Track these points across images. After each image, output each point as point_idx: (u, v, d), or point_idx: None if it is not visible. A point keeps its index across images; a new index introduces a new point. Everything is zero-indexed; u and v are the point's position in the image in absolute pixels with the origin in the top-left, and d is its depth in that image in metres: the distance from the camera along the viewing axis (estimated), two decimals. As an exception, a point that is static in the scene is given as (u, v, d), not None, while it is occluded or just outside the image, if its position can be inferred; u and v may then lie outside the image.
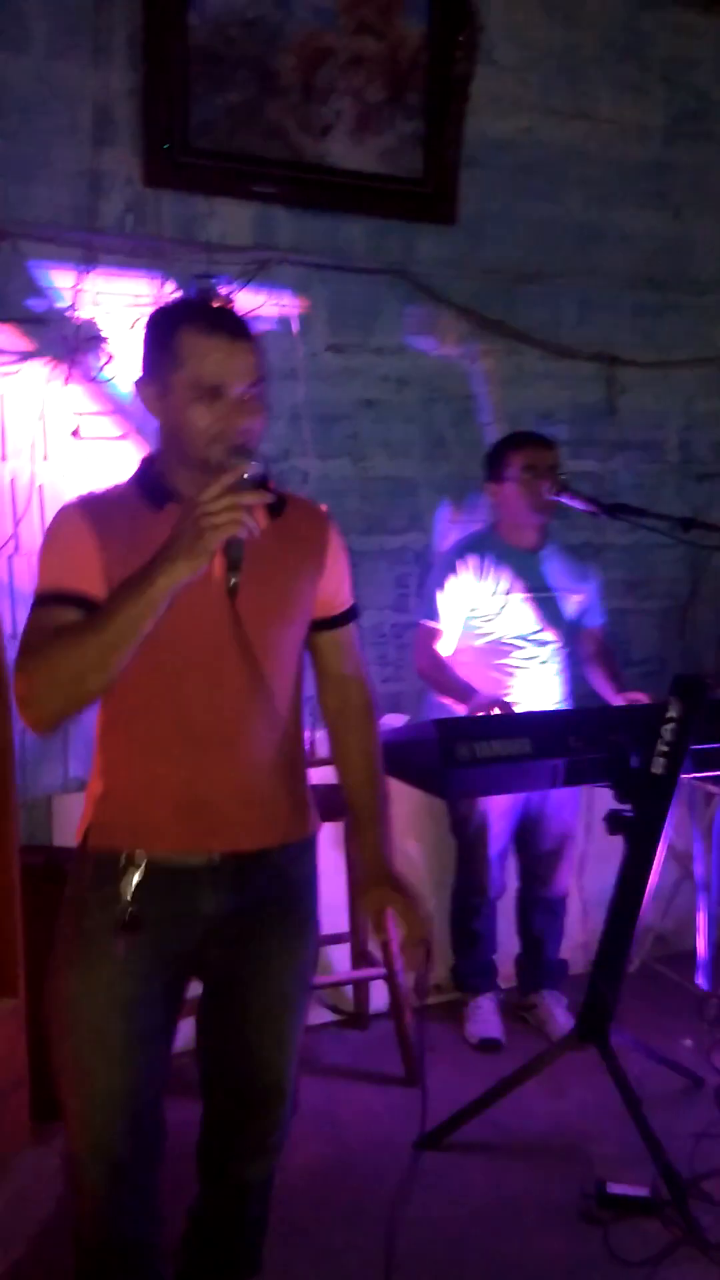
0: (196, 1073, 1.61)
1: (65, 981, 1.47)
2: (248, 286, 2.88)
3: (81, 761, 2.75)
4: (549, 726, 2.32)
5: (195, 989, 1.58)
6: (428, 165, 3.06)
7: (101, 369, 2.71)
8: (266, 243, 2.92)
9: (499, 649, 2.81)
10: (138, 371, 1.47)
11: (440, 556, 2.96)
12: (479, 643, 2.82)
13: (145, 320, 1.48)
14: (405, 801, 2.86)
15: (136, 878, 1.44)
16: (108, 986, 1.45)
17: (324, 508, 1.62)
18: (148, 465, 1.51)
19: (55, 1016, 1.48)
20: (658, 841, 2.28)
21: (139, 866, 1.44)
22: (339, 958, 2.91)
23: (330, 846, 2.63)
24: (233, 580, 1.33)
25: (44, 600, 1.41)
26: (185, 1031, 1.59)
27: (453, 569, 2.77)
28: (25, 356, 2.66)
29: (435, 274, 3.14)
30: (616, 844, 2.32)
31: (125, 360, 2.69)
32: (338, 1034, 2.90)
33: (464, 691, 2.66)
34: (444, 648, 2.80)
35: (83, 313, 2.70)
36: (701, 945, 3.06)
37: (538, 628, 2.82)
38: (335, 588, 1.60)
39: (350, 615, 1.64)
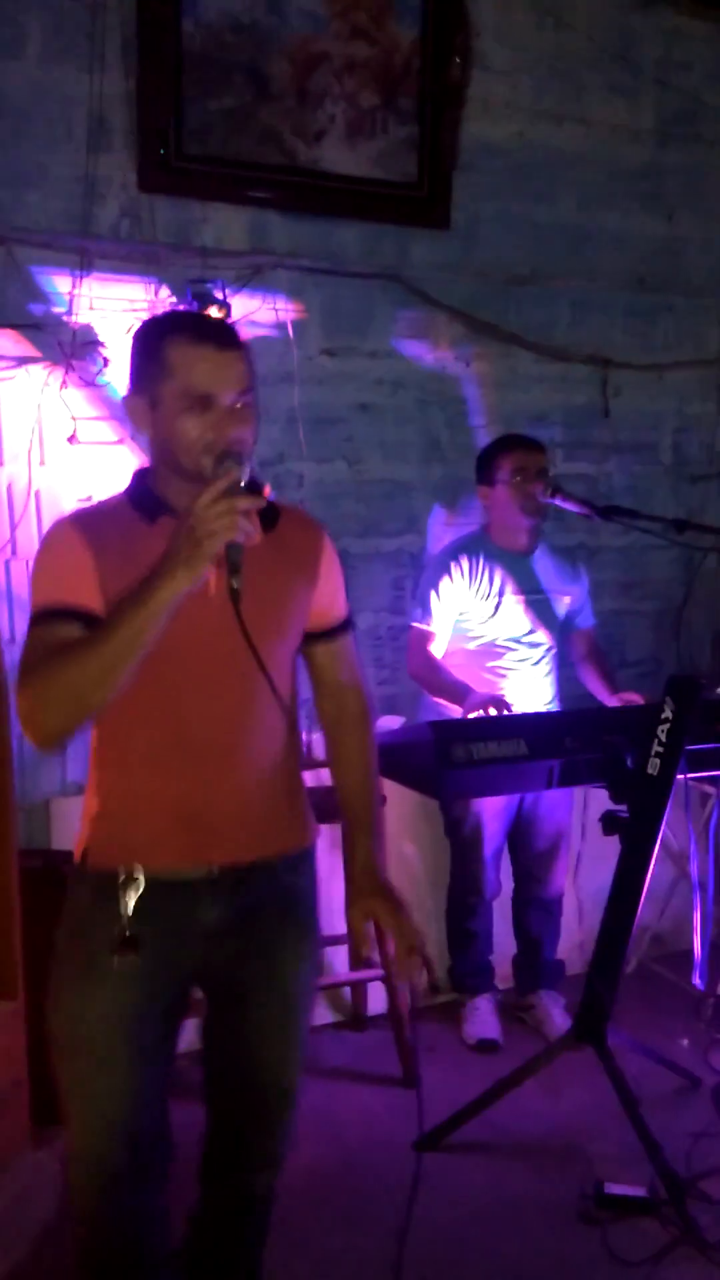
0: (199, 1075, 1.61)
1: (66, 1001, 1.47)
2: (242, 291, 2.89)
3: (79, 765, 2.75)
4: (544, 727, 2.33)
5: (195, 990, 1.59)
6: (421, 169, 3.08)
7: (98, 374, 2.72)
8: (261, 247, 2.93)
9: (491, 651, 2.82)
10: (126, 387, 1.46)
11: (432, 559, 2.97)
12: (471, 645, 2.83)
13: (132, 334, 1.47)
14: (401, 804, 2.87)
15: (135, 896, 1.43)
16: (108, 1006, 1.44)
17: (317, 520, 1.62)
18: (140, 479, 1.51)
19: (56, 1037, 1.47)
20: (654, 842, 2.28)
21: (138, 884, 1.44)
22: (338, 960, 2.92)
23: (330, 848, 2.64)
24: (234, 584, 1.31)
25: (42, 617, 1.40)
26: (188, 1033, 1.59)
27: (445, 571, 2.78)
28: (22, 361, 2.67)
29: (429, 278, 3.15)
30: (612, 844, 2.33)
31: (122, 365, 2.69)
32: (336, 1035, 2.91)
33: (459, 692, 2.67)
34: (436, 650, 2.81)
35: (79, 318, 2.70)
36: (698, 945, 3.07)
37: (529, 630, 2.83)
38: (330, 599, 1.59)
39: (345, 626, 1.64)
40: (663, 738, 2.22)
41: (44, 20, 2.63)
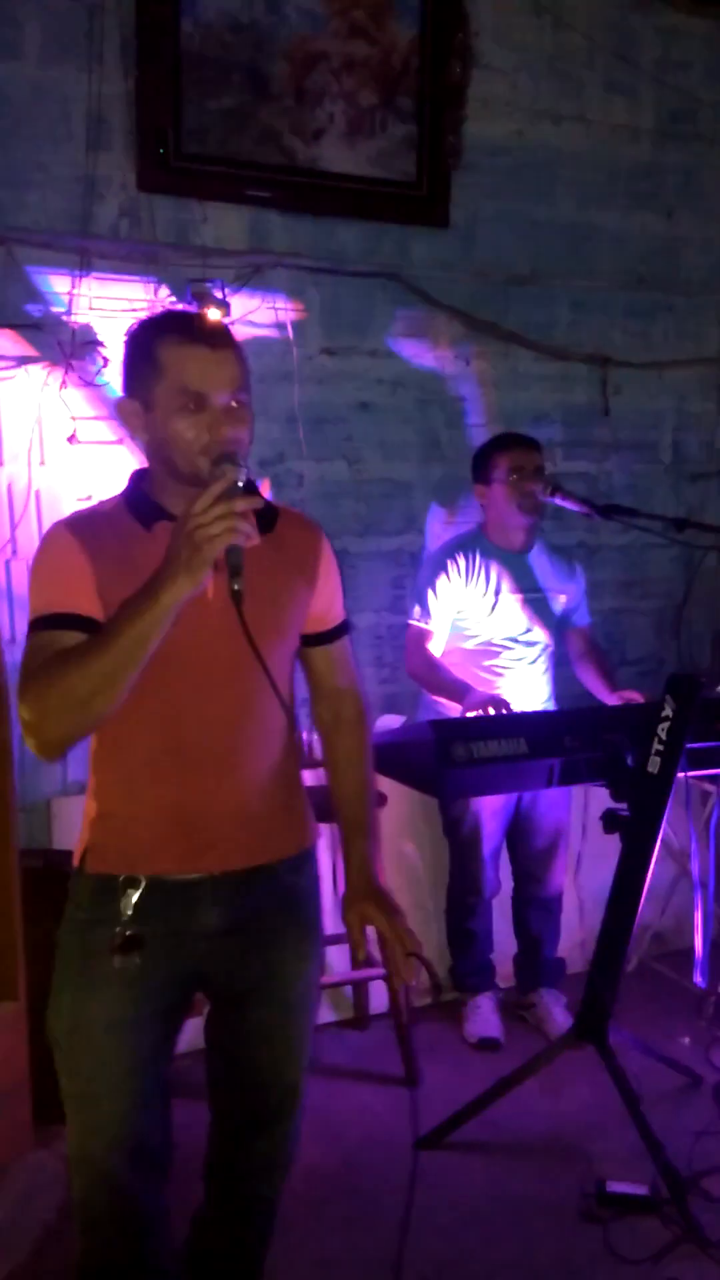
0: (199, 1075, 1.60)
1: (66, 1003, 1.46)
2: (242, 291, 2.89)
3: (80, 765, 2.75)
4: (545, 726, 2.33)
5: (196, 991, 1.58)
6: (420, 168, 3.08)
7: (98, 374, 2.72)
8: (260, 247, 2.93)
9: (488, 650, 2.82)
10: (119, 392, 1.45)
11: (429, 558, 2.97)
12: (468, 644, 2.83)
13: (124, 338, 1.46)
14: (401, 803, 2.87)
15: (135, 897, 1.43)
16: (109, 1008, 1.44)
17: (315, 522, 1.60)
18: (136, 482, 1.50)
19: (56, 1038, 1.47)
20: (654, 840, 2.28)
21: (138, 886, 1.44)
22: (339, 959, 2.92)
23: (330, 848, 2.64)
24: (236, 586, 1.29)
25: (41, 623, 1.38)
26: (189, 1033, 1.59)
27: (442, 570, 2.78)
28: (21, 361, 2.67)
29: (428, 277, 3.15)
30: (613, 843, 2.33)
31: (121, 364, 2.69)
32: (338, 1034, 2.91)
33: (458, 690, 2.67)
34: (434, 648, 2.81)
35: (79, 318, 2.70)
36: (699, 943, 3.07)
37: (526, 628, 2.84)
38: (328, 601, 1.59)
39: (343, 629, 1.63)
40: (663, 736, 2.21)
41: (43, 20, 2.63)
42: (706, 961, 3.05)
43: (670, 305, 3.56)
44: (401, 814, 2.96)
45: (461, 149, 3.14)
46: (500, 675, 2.81)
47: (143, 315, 1.52)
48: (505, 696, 2.67)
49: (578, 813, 3.07)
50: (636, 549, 3.55)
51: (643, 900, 2.33)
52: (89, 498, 2.66)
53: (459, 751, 2.14)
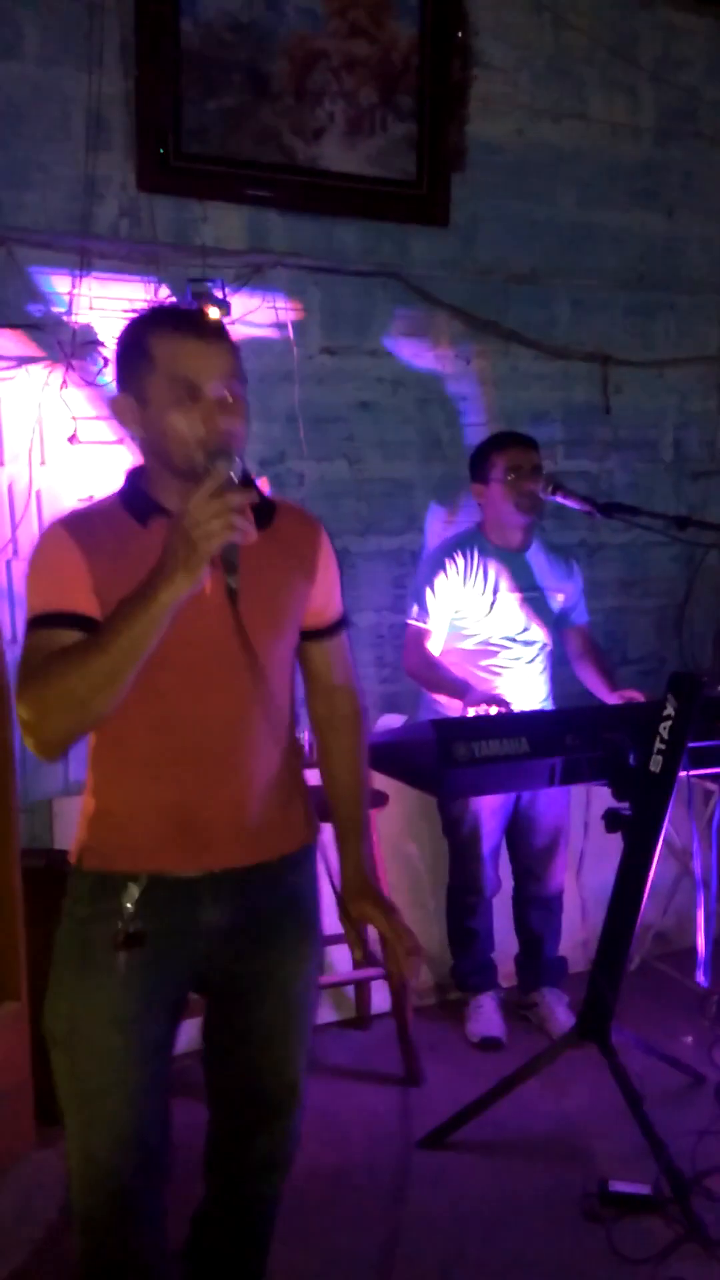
0: (198, 1075, 1.60)
1: (65, 1001, 1.46)
2: (242, 290, 2.89)
3: (81, 765, 2.74)
4: (546, 725, 2.33)
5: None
6: (420, 167, 3.07)
7: (98, 373, 2.72)
8: (260, 246, 2.93)
9: (486, 650, 2.82)
10: (113, 389, 1.44)
11: (427, 557, 2.97)
12: (465, 644, 2.83)
13: (117, 335, 1.46)
14: (403, 803, 2.87)
15: (136, 893, 1.42)
16: (110, 1005, 1.43)
17: (314, 516, 1.60)
18: (132, 479, 1.49)
19: (56, 1036, 1.46)
20: (656, 839, 2.28)
21: (139, 883, 1.43)
22: (341, 957, 2.92)
23: (331, 847, 2.64)
24: (231, 583, 1.28)
25: (39, 622, 1.38)
26: (188, 1032, 1.59)
27: (440, 569, 2.78)
28: (22, 361, 2.67)
29: (429, 276, 3.15)
30: (615, 842, 2.32)
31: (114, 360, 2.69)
32: (339, 1034, 2.91)
33: (458, 688, 2.67)
34: (433, 647, 2.81)
35: (79, 317, 2.70)
36: (701, 942, 3.07)
37: (524, 627, 2.83)
38: (326, 596, 1.58)
39: (341, 625, 1.62)
40: (665, 735, 2.21)
41: (42, 20, 2.63)
42: (709, 961, 3.05)
43: (671, 304, 3.56)
44: (403, 814, 2.95)
45: (465, 150, 3.14)
46: (498, 675, 2.81)
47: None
48: (504, 694, 2.68)
49: (579, 812, 3.06)
50: (638, 548, 3.55)
51: (645, 900, 2.32)
52: (90, 498, 2.66)
53: (460, 751, 2.14)
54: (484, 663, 2.82)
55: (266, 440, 2.98)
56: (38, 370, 2.68)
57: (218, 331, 1.42)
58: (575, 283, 3.38)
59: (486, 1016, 2.89)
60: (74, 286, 2.69)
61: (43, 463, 2.72)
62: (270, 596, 1.47)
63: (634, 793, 2.24)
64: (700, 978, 3.06)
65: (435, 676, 2.77)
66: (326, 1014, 2.94)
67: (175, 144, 2.76)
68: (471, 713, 2.55)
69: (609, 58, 3.36)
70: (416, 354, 3.19)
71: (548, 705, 2.90)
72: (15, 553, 2.70)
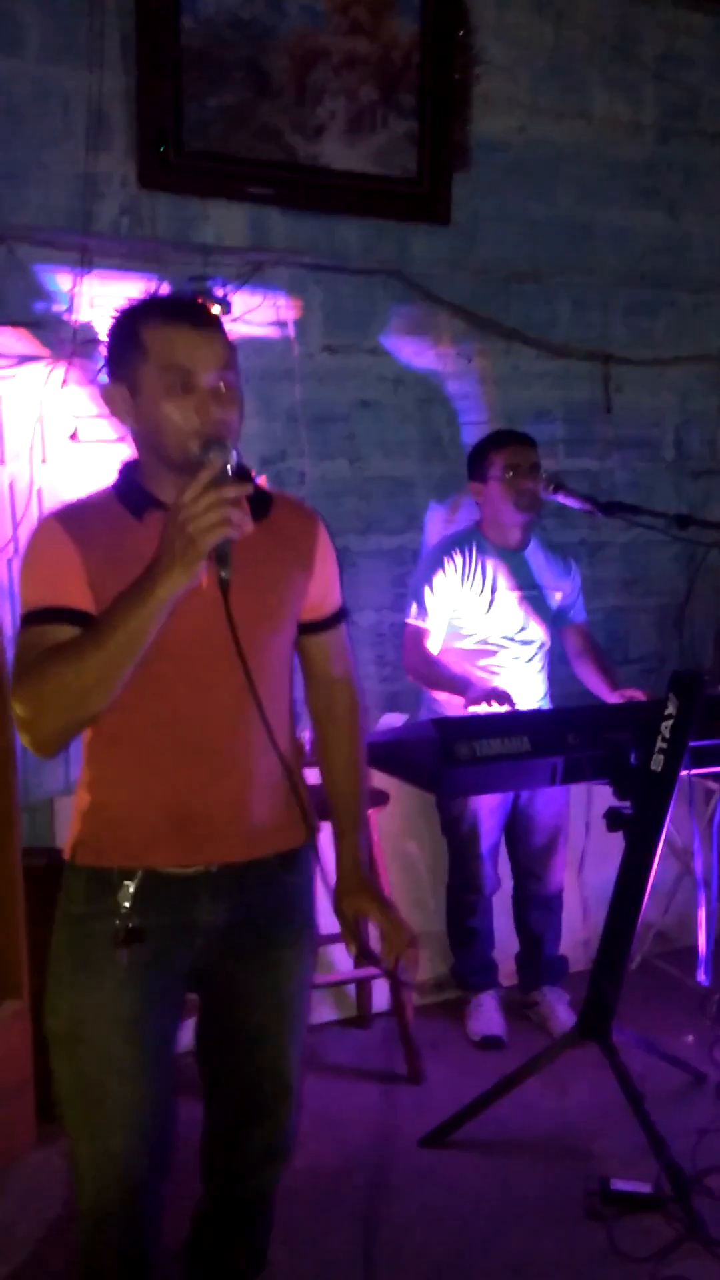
0: (196, 1074, 1.60)
1: (67, 1001, 1.44)
2: (243, 288, 2.88)
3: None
4: (547, 724, 2.33)
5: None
6: (421, 165, 3.07)
7: (99, 371, 2.71)
8: (261, 244, 2.93)
9: (484, 649, 2.81)
10: (105, 378, 1.43)
11: (425, 556, 2.96)
12: (463, 644, 2.82)
13: (109, 324, 1.44)
14: (404, 802, 2.87)
15: (133, 889, 1.41)
16: (112, 1003, 1.42)
17: (311, 508, 1.59)
18: (126, 472, 1.47)
19: (58, 1036, 1.45)
20: (658, 838, 2.28)
21: (134, 878, 1.42)
22: (341, 956, 2.92)
23: (332, 845, 2.64)
24: (224, 575, 1.26)
25: (33, 618, 1.36)
26: (184, 1031, 1.59)
27: (438, 567, 2.78)
28: (23, 360, 2.67)
29: (430, 274, 3.15)
30: (616, 841, 2.32)
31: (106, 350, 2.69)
32: (340, 1032, 2.91)
33: (459, 684, 2.67)
34: (431, 646, 2.80)
35: (80, 315, 2.70)
36: (702, 941, 3.07)
37: (522, 626, 2.83)
38: (324, 589, 1.56)
39: (339, 617, 1.61)
40: (666, 734, 2.21)
41: (43, 17, 2.62)
42: (710, 960, 3.05)
43: (673, 302, 3.55)
44: (403, 813, 2.95)
45: (469, 149, 3.13)
46: (495, 675, 2.80)
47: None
48: (505, 689, 2.67)
49: (581, 810, 3.06)
50: (639, 546, 3.54)
51: (646, 898, 2.32)
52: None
53: (462, 749, 2.14)
54: (482, 662, 2.81)
55: (267, 438, 2.97)
56: (39, 368, 2.68)
57: (211, 321, 1.40)
58: (576, 281, 3.37)
59: (487, 1015, 2.89)
60: (75, 284, 2.69)
61: (44, 461, 2.72)
62: (267, 589, 1.45)
63: (635, 792, 2.24)
64: (701, 976, 3.06)
65: (435, 674, 2.77)
66: (327, 1012, 2.95)
67: (176, 142, 2.75)
68: (474, 710, 2.55)
69: (611, 55, 3.35)
70: (417, 352, 3.19)
71: (545, 704, 2.90)
72: (17, 551, 2.70)
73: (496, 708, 2.52)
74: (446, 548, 2.82)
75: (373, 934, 1.62)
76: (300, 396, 2.98)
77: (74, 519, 1.41)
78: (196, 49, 2.75)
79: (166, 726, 1.43)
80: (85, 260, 2.69)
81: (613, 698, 2.86)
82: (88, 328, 2.71)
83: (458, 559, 2.78)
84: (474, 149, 3.17)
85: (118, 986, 1.42)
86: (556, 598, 2.91)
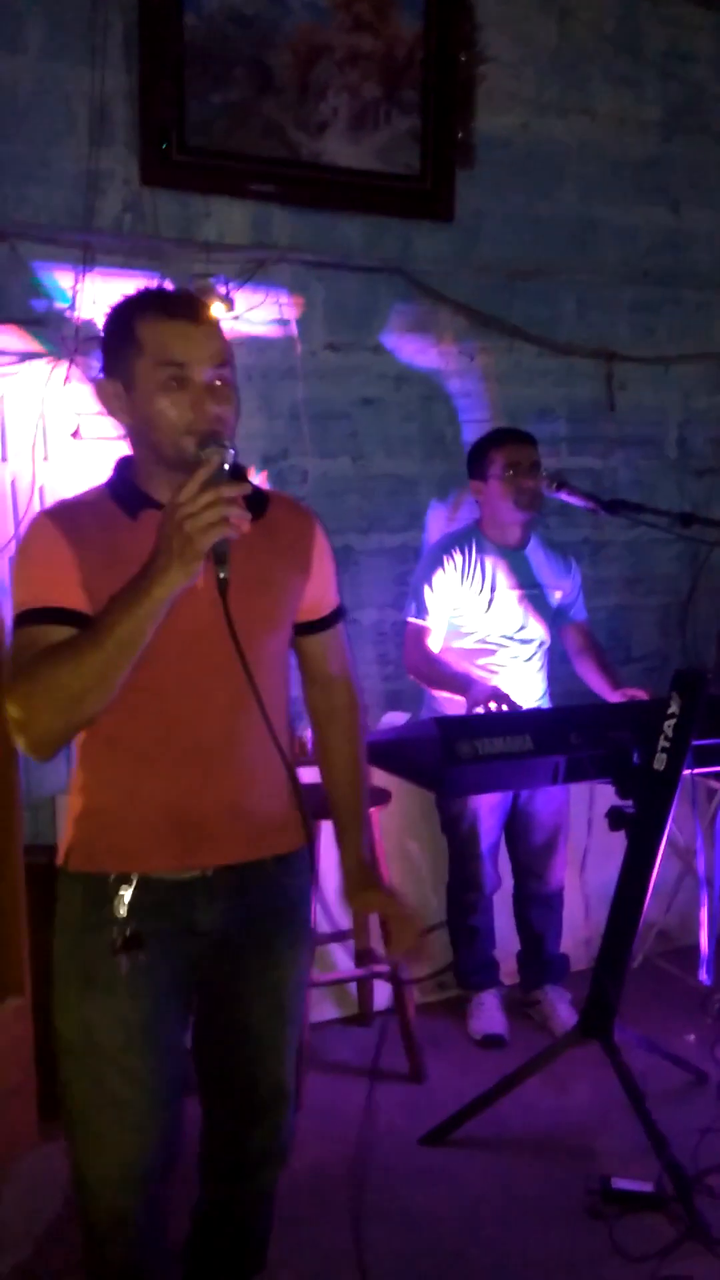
0: (192, 1073, 1.59)
1: (75, 1012, 1.42)
2: (245, 285, 2.88)
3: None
4: (550, 723, 2.33)
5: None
6: (424, 162, 3.06)
7: (101, 369, 2.71)
8: (264, 241, 2.92)
9: (483, 648, 2.81)
10: (99, 374, 1.41)
11: (425, 554, 2.96)
12: (463, 642, 2.82)
13: (105, 318, 1.42)
14: (405, 802, 2.87)
15: (129, 895, 1.40)
16: (119, 1012, 1.40)
17: (307, 507, 1.57)
18: (120, 470, 1.46)
19: (68, 1045, 1.43)
20: (660, 837, 2.28)
21: (131, 884, 1.40)
22: (342, 955, 2.92)
23: (333, 843, 2.64)
24: (222, 574, 1.24)
25: (27, 618, 1.34)
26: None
27: (438, 566, 2.78)
28: (25, 357, 2.67)
29: (433, 271, 3.14)
30: (619, 840, 2.32)
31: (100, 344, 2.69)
32: (341, 1031, 2.91)
33: (460, 683, 2.66)
34: (432, 645, 2.80)
35: (82, 313, 2.69)
36: (704, 941, 3.06)
37: (521, 625, 2.83)
38: (322, 589, 1.55)
39: (337, 616, 1.60)
40: (669, 733, 2.21)
41: (45, 14, 2.62)
42: (712, 959, 3.05)
43: (677, 299, 3.54)
44: (403, 812, 2.95)
45: (472, 146, 3.13)
46: (495, 674, 2.80)
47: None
48: (506, 689, 2.67)
49: (583, 809, 3.06)
50: (642, 545, 3.54)
51: (648, 898, 2.32)
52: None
53: (464, 748, 2.13)
54: (481, 661, 2.81)
55: (269, 436, 2.97)
56: (40, 366, 2.67)
57: (207, 316, 1.39)
58: (580, 278, 3.37)
59: (489, 1014, 2.89)
60: (76, 282, 2.69)
61: (46, 458, 2.71)
62: (264, 589, 1.44)
63: (638, 791, 2.24)
64: (703, 976, 3.06)
65: (436, 673, 2.76)
66: (329, 1010, 2.95)
67: (178, 138, 2.75)
68: (477, 710, 2.55)
69: (615, 52, 3.34)
70: (420, 350, 3.18)
71: (544, 703, 2.89)
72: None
73: (498, 708, 2.52)
74: (446, 546, 2.82)
75: (375, 932, 1.62)
76: (302, 394, 2.98)
77: (67, 517, 1.39)
78: (199, 45, 2.74)
79: (162, 728, 1.41)
80: (87, 257, 2.69)
81: (613, 696, 2.85)
82: (89, 325, 2.70)
83: (457, 557, 2.77)
84: (477, 146, 3.16)
85: (122, 994, 1.40)
86: (556, 596, 2.91)
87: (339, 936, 2.81)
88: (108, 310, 1.43)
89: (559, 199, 3.33)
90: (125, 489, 1.43)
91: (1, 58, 2.59)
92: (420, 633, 2.80)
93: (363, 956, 2.85)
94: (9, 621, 2.71)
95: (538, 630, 2.86)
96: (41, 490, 2.72)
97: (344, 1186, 2.23)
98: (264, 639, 1.44)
